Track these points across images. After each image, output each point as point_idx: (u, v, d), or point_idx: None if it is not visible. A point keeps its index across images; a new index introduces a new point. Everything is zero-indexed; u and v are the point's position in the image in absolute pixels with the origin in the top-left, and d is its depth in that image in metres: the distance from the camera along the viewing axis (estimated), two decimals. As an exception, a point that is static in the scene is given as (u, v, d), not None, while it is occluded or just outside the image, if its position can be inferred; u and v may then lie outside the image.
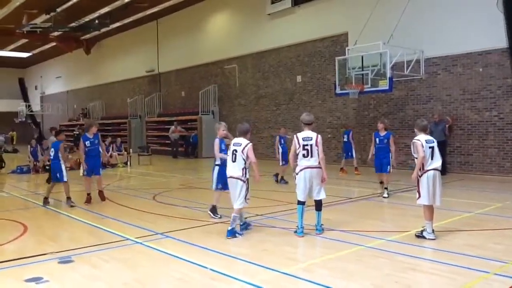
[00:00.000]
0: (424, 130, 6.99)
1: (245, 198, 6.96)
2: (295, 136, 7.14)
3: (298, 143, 7.02)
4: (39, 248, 6.50)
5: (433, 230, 6.65)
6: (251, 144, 7.02)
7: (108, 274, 5.36)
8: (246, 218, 7.58)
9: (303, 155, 6.98)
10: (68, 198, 9.95)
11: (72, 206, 9.72)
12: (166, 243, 6.72)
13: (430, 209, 6.71)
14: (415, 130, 7.09)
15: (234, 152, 6.99)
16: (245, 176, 6.95)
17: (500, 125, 13.96)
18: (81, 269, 5.55)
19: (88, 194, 10.17)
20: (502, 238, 6.74)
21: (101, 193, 10.47)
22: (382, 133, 10.66)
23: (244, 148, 6.94)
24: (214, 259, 5.89)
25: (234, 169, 6.99)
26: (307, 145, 6.97)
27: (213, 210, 8.25)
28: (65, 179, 9.98)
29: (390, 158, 10.54)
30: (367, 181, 13.29)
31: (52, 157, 10.15)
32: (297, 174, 7.03)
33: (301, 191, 6.99)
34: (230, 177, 7.04)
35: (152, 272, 5.45)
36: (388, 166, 10.52)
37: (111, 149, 19.85)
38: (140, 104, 30.27)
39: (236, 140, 7.16)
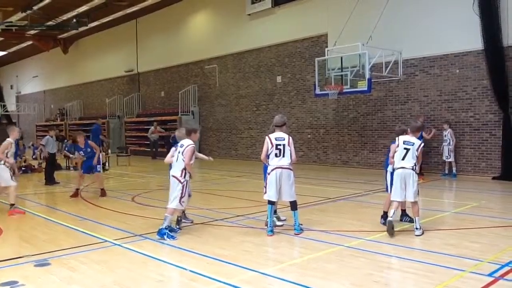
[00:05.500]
0: (418, 131, 7.19)
1: (179, 200, 6.95)
2: (267, 137, 7.18)
3: (271, 143, 7.07)
4: (14, 251, 6.37)
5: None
6: (191, 146, 7.05)
7: (86, 277, 5.28)
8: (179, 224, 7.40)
9: (275, 155, 7.05)
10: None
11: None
12: (145, 244, 6.65)
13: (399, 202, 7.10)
14: (409, 131, 7.20)
15: (179, 153, 7.10)
16: (184, 178, 6.99)
17: (476, 125, 14.21)
18: (58, 272, 5.45)
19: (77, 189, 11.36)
20: (478, 237, 6.85)
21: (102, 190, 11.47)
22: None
23: (184, 149, 7.01)
24: (193, 260, 5.86)
25: (175, 169, 7.09)
26: (280, 144, 7.06)
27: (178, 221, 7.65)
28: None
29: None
30: (346, 182, 13.39)
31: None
32: (268, 174, 7.09)
33: (271, 191, 7.03)
34: (172, 176, 7.11)
35: (131, 274, 5.39)
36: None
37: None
38: (118, 104, 29.94)
39: (182, 141, 7.20)
